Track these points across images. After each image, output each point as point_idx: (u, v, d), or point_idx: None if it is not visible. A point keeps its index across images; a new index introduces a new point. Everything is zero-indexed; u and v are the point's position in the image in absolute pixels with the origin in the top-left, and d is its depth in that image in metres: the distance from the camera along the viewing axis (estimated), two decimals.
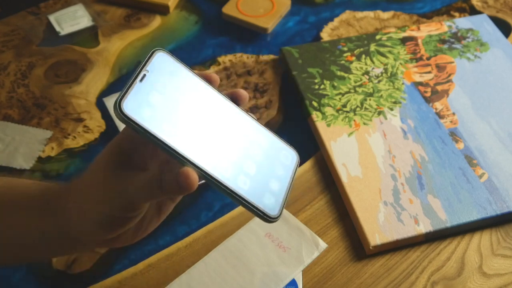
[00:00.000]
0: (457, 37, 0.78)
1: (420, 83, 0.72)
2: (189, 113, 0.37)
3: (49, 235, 0.43)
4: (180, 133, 0.36)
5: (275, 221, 0.38)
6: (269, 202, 0.38)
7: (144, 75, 0.36)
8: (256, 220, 0.53)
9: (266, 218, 0.37)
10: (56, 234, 0.43)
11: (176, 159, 0.36)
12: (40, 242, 0.45)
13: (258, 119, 0.64)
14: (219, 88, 0.40)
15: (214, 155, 0.37)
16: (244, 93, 0.40)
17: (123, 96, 0.34)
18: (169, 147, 0.35)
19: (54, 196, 0.42)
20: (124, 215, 0.39)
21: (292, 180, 0.40)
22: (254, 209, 0.37)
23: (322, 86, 0.71)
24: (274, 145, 0.40)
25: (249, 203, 0.37)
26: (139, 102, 0.35)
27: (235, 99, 0.40)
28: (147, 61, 0.36)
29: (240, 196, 0.37)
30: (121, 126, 0.67)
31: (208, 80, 0.39)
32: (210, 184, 0.36)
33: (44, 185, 0.44)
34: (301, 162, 0.65)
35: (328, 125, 0.67)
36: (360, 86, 0.72)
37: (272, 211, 0.38)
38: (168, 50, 0.78)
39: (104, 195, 0.38)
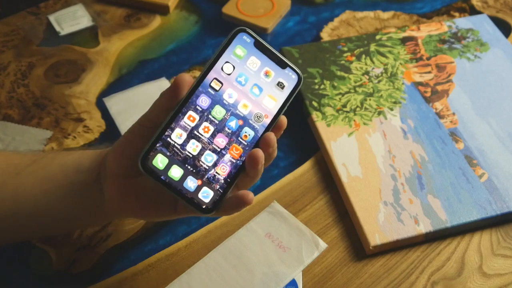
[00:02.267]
0: (457, 37, 0.78)
1: (420, 83, 0.72)
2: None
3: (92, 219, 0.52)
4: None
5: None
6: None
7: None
8: (256, 220, 0.53)
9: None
10: (97, 218, 0.51)
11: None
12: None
13: None
14: None
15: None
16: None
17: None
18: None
19: (90, 193, 0.48)
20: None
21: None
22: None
23: (322, 86, 0.71)
24: None
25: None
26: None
27: None
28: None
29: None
30: (121, 126, 0.67)
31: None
32: None
33: (76, 180, 0.48)
34: (301, 162, 0.65)
35: (328, 125, 0.67)
36: (360, 86, 0.72)
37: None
38: (168, 50, 0.78)
39: (140, 214, 0.49)
